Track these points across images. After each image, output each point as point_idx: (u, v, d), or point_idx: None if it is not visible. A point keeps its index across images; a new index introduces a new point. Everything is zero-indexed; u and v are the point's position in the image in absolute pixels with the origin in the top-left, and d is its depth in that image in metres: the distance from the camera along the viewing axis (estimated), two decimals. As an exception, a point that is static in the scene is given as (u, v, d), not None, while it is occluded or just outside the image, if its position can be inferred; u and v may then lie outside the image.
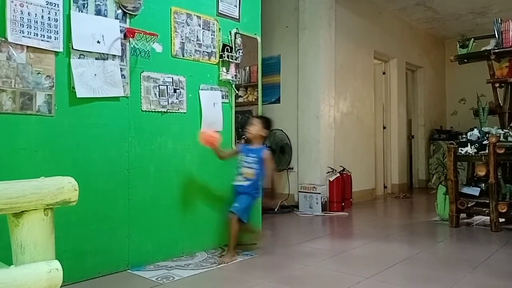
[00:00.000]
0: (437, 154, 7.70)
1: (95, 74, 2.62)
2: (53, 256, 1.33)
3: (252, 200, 3.15)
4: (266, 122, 3.24)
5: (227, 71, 3.48)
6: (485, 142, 4.08)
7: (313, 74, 5.27)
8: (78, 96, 2.54)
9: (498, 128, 4.34)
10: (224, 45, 3.45)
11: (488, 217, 4.03)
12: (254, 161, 3.09)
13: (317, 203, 5.07)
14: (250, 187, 3.10)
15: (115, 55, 2.74)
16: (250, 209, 3.13)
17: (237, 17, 3.61)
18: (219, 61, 3.44)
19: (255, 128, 3.17)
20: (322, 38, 5.25)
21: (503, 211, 3.92)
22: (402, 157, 7.33)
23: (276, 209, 5.03)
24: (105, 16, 2.70)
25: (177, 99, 3.11)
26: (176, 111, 3.11)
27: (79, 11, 2.57)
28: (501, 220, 4.03)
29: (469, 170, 4.67)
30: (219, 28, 3.44)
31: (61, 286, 1.30)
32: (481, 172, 4.08)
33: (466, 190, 4.30)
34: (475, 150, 4.14)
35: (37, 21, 2.37)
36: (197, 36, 3.27)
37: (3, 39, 2.25)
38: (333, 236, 4.11)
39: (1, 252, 1.63)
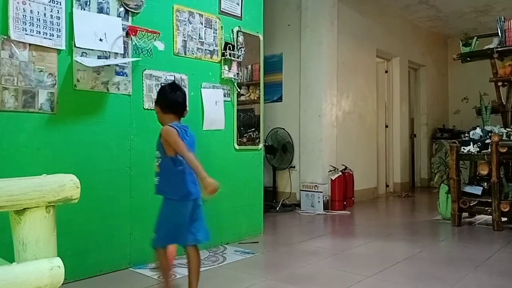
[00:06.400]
0: (440, 153, 7.67)
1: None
2: (55, 254, 1.33)
3: (171, 207, 2.11)
4: (158, 96, 2.24)
5: (229, 69, 3.48)
6: (487, 141, 4.06)
7: (316, 72, 5.26)
8: (89, 65, 2.55)
9: (501, 127, 4.32)
10: (226, 43, 3.45)
11: (490, 216, 4.02)
12: (157, 148, 2.15)
13: (319, 201, 5.06)
14: (162, 186, 2.12)
15: (117, 53, 2.74)
16: (172, 227, 2.12)
17: (239, 15, 3.61)
18: (221, 59, 3.43)
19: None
20: (324, 36, 5.24)
21: (506, 210, 3.91)
22: (404, 156, 7.32)
23: (278, 208, 5.03)
24: (107, 14, 2.70)
25: (179, 97, 3.10)
26: (178, 109, 3.11)
27: (81, 9, 2.57)
28: (504, 219, 4.03)
29: (472, 169, 4.65)
30: (221, 26, 3.44)
31: (63, 284, 1.30)
32: (483, 171, 4.07)
33: (469, 189, 4.29)
34: (478, 149, 4.13)
35: (39, 19, 2.37)
36: (199, 34, 3.26)
37: (6, 36, 2.25)
38: (335, 234, 4.11)
39: (3, 249, 1.63)
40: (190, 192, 2.10)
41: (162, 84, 2.97)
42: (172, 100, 2.16)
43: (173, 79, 3.06)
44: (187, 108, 2.26)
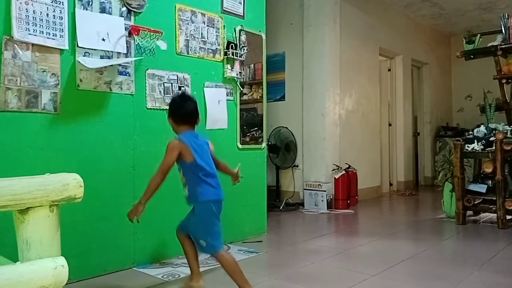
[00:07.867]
0: (443, 151, 7.65)
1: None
2: (58, 253, 1.33)
3: (200, 215, 2.21)
4: (170, 109, 2.28)
5: (232, 68, 3.48)
6: (492, 138, 4.04)
7: (318, 71, 5.25)
8: (91, 67, 2.54)
9: (505, 125, 4.31)
10: (228, 42, 3.44)
11: (495, 214, 4.00)
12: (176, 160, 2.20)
13: (322, 200, 5.06)
14: (193, 193, 2.19)
15: (120, 53, 2.74)
16: (210, 230, 2.22)
17: (242, 14, 3.60)
18: (223, 58, 3.43)
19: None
20: (327, 35, 5.23)
21: (510, 208, 3.88)
22: (408, 154, 7.30)
23: (281, 207, 5.02)
24: (110, 13, 2.70)
25: (182, 96, 3.10)
26: (181, 109, 3.10)
27: (83, 9, 2.57)
28: (508, 217, 4.00)
29: (476, 167, 4.64)
30: (224, 25, 3.44)
31: (66, 284, 1.30)
32: (487, 169, 4.04)
33: (473, 187, 4.27)
34: (482, 147, 4.10)
35: (42, 19, 2.37)
36: (201, 34, 3.26)
37: (9, 37, 2.25)
38: (338, 233, 4.10)
39: (6, 248, 1.63)
40: (217, 193, 2.20)
41: (165, 83, 2.98)
42: (183, 112, 2.22)
43: (176, 78, 3.06)
44: (200, 117, 2.29)
